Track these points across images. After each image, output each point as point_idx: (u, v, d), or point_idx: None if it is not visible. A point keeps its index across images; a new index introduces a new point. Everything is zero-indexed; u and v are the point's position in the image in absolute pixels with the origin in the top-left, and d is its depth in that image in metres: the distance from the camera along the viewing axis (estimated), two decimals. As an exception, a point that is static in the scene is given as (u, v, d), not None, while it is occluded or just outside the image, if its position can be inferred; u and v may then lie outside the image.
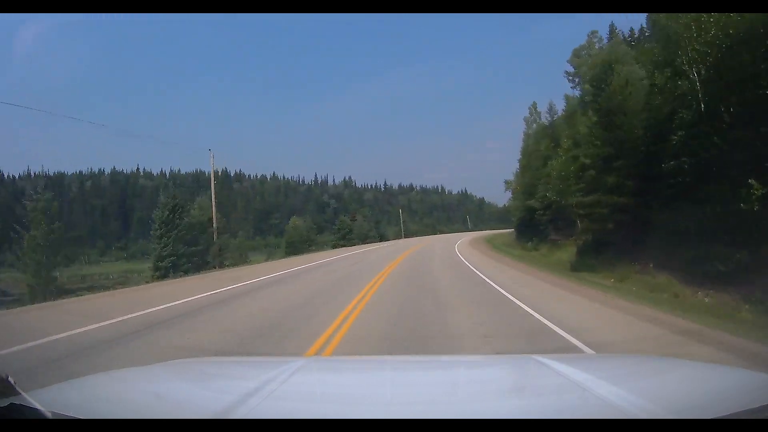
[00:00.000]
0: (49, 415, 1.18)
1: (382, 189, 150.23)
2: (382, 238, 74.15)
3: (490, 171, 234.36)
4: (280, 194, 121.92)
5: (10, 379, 1.20)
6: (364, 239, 64.87)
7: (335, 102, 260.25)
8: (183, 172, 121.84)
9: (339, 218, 72.29)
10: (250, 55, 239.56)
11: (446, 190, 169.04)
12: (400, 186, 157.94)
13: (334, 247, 55.99)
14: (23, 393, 1.20)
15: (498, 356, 4.39)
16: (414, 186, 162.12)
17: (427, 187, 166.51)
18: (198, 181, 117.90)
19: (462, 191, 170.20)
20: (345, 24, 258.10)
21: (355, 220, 74.28)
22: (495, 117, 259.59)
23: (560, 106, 38.74)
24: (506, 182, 53.60)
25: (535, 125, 42.68)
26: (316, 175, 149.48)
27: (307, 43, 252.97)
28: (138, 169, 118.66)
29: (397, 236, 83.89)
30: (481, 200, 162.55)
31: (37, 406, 1.18)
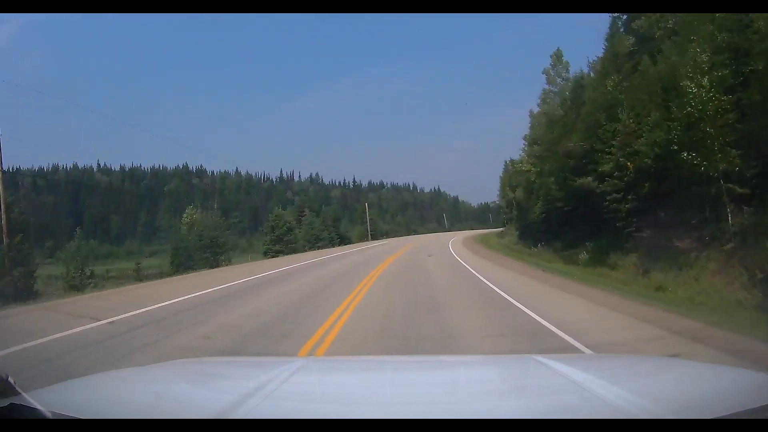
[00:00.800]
0: (49, 415, 1.18)
1: (351, 186, 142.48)
2: (344, 241, 58.64)
3: (464, 170, 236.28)
4: (241, 191, 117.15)
5: (10, 379, 1.20)
6: (315, 241, 49.86)
7: (306, 101, 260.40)
8: (144, 167, 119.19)
9: (274, 211, 50.11)
10: (223, 53, 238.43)
11: (418, 188, 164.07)
12: (370, 183, 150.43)
13: (266, 254, 42.20)
14: (23, 393, 1.20)
15: (498, 356, 4.39)
16: (385, 183, 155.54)
17: (399, 184, 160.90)
18: (156, 176, 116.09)
19: (435, 189, 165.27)
20: (318, 22, 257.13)
21: (304, 214, 58.01)
22: (468, 116, 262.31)
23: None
24: (510, 165, 44.46)
25: (560, 80, 32.53)
26: (281, 171, 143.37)
27: (277, 41, 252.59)
28: (99, 164, 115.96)
29: (363, 237, 67.18)
30: (456, 199, 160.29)
31: (37, 406, 1.18)
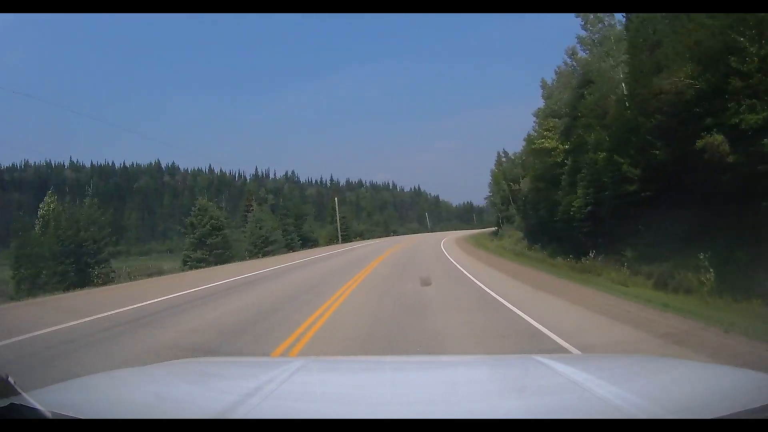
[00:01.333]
0: (49, 415, 1.18)
1: (328, 185, 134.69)
2: (307, 243, 47.92)
3: (445, 170, 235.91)
4: (212, 188, 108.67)
5: (10, 379, 1.20)
6: (264, 245, 37.91)
7: (286, 100, 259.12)
8: (117, 165, 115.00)
9: (197, 203, 35.71)
10: (202, 51, 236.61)
11: (398, 187, 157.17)
12: (348, 182, 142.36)
13: (185, 263, 30.84)
14: (23, 393, 1.20)
15: (498, 356, 4.39)
16: (364, 182, 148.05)
17: (378, 183, 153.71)
18: (127, 174, 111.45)
19: (415, 188, 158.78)
20: (299, 22, 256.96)
21: (251, 209, 45.86)
22: (449, 115, 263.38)
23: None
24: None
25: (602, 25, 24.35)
26: (256, 169, 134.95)
27: (257, 41, 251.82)
28: (72, 160, 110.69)
29: (333, 239, 56.97)
30: (437, 198, 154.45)
31: (37, 406, 1.18)
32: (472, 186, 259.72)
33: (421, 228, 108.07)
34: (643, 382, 1.76)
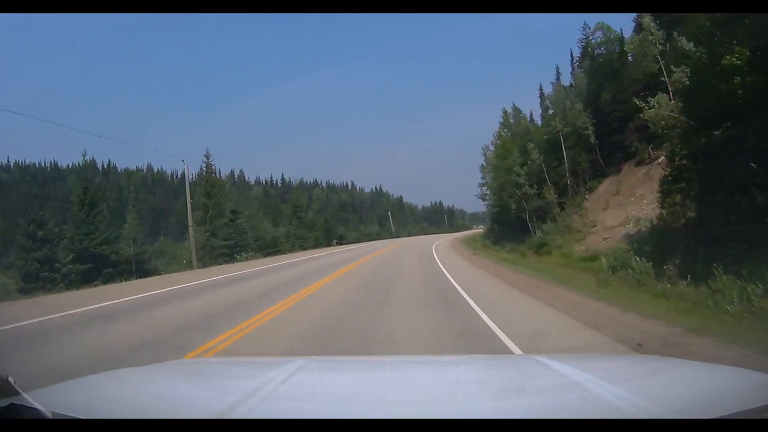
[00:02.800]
0: (49, 415, 1.18)
1: (279, 184, 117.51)
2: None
3: (409, 173, 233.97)
4: (144, 188, 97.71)
5: (10, 379, 1.20)
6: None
7: (240, 103, 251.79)
8: (38, 164, 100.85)
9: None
10: (153, 50, 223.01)
11: (358, 188, 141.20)
12: (302, 182, 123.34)
13: None
14: (23, 393, 1.20)
15: (498, 356, 4.39)
16: (319, 182, 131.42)
17: (336, 184, 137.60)
18: (51, 173, 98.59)
19: (376, 189, 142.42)
20: (257, 24, 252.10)
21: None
22: (415, 119, 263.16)
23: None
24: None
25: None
26: (201, 168, 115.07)
27: (216, 43, 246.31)
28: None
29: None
30: (400, 199, 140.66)
31: (37, 406, 1.18)
32: (440, 187, 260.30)
33: (383, 231, 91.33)
34: (642, 382, 1.76)
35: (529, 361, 2.25)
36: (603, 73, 29.97)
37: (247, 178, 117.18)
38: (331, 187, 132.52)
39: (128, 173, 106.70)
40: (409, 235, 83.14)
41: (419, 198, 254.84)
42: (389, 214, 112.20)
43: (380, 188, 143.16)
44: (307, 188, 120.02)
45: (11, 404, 1.15)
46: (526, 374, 2.03)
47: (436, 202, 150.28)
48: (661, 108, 14.86)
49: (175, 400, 1.66)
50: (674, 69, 17.17)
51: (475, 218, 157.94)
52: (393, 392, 1.87)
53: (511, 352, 5.04)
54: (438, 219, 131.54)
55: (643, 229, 16.44)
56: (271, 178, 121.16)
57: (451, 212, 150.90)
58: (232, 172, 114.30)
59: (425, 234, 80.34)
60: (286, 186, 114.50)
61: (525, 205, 33.00)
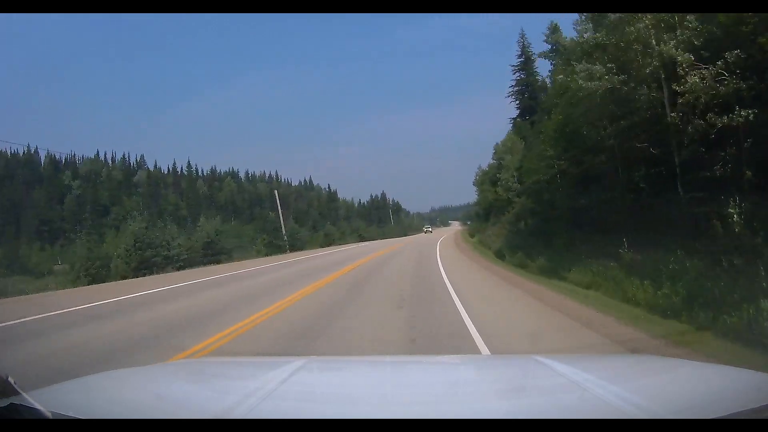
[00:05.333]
0: (49, 415, 1.18)
1: (183, 173, 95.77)
2: None
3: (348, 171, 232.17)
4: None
5: (10, 379, 1.20)
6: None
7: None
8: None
9: None
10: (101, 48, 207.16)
11: (283, 179, 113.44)
12: (213, 170, 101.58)
13: None
14: (23, 393, 1.20)
15: (498, 356, 4.39)
16: (237, 171, 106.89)
17: (256, 174, 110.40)
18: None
19: (304, 181, 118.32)
20: (206, 25, 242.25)
21: None
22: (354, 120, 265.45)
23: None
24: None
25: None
26: (74, 155, 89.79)
27: (168, 42, 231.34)
28: None
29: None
30: (333, 194, 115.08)
31: (37, 406, 1.18)
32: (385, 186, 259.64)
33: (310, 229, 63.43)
34: (643, 382, 1.76)
35: (529, 361, 2.24)
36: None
37: (138, 162, 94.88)
38: (251, 179, 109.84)
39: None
40: (330, 243, 48.91)
41: (359, 191, 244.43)
42: (309, 212, 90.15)
43: (309, 180, 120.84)
44: (220, 178, 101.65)
45: (11, 404, 1.15)
46: (526, 374, 2.03)
47: (376, 195, 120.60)
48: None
49: (175, 400, 1.66)
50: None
51: (421, 218, 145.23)
52: (393, 392, 1.87)
53: None
54: (381, 216, 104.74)
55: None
56: (174, 164, 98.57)
57: (397, 209, 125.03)
58: (123, 155, 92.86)
59: (359, 241, 53.14)
60: (191, 176, 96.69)
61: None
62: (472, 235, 43.41)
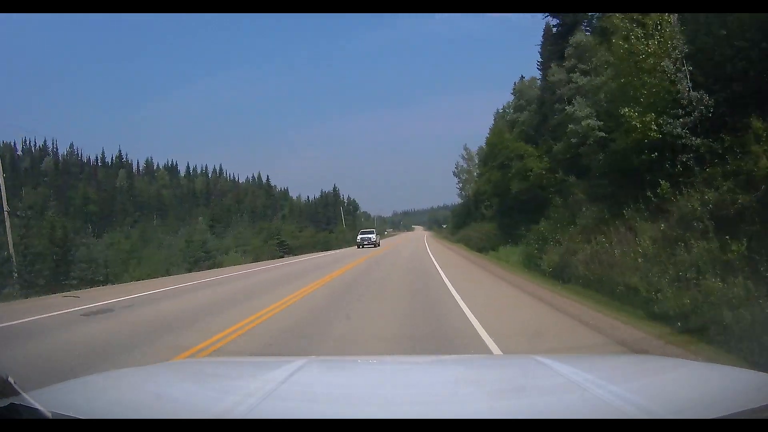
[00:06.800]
0: (49, 415, 1.18)
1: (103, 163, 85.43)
2: None
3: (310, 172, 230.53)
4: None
5: (10, 379, 1.20)
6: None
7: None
8: None
9: None
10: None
11: (229, 174, 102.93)
12: (148, 162, 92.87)
13: None
14: (23, 393, 1.20)
15: (498, 356, 4.39)
16: (176, 164, 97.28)
17: (198, 169, 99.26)
18: None
19: (252, 178, 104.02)
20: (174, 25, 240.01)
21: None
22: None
23: None
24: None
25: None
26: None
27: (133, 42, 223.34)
28: None
29: None
30: (285, 192, 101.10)
31: (37, 406, 1.18)
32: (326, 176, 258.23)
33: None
34: (643, 382, 1.76)
35: (529, 361, 2.24)
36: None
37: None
38: (170, 169, 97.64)
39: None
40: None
41: (308, 188, 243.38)
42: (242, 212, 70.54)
43: (258, 176, 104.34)
44: (149, 172, 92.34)
45: (11, 404, 1.15)
46: (526, 374, 2.03)
47: (326, 191, 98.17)
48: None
49: (175, 400, 1.65)
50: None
51: (383, 221, 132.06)
52: (393, 392, 1.87)
53: None
54: (330, 216, 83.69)
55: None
56: (103, 154, 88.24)
57: (354, 208, 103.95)
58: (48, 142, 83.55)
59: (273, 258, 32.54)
60: (105, 167, 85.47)
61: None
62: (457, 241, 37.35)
